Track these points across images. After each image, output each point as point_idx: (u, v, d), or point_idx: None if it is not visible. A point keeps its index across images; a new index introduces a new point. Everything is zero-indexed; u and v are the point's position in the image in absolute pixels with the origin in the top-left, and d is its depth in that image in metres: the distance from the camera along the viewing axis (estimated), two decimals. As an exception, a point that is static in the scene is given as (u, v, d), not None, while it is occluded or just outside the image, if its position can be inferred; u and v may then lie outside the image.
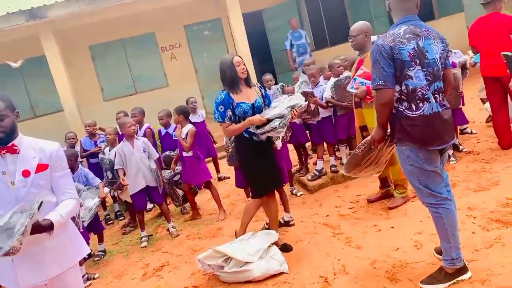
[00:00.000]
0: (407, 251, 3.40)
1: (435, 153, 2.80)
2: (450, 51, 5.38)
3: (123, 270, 4.49)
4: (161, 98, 10.19)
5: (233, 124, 3.70)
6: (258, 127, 3.62)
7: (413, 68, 2.69)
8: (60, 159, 2.34)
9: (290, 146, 5.55)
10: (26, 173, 2.21)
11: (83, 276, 4.36)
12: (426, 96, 2.72)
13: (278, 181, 4.07)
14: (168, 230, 5.17)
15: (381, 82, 2.70)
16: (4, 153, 2.21)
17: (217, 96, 3.70)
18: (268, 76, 6.44)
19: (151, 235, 5.22)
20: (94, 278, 4.42)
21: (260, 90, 3.89)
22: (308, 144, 6.17)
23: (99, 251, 4.95)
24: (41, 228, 2.10)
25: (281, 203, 4.47)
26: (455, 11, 12.19)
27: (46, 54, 8.61)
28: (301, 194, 5.28)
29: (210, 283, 3.70)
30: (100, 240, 4.98)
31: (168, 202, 5.87)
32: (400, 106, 2.76)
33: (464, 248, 3.07)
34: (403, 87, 2.73)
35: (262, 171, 3.81)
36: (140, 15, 9.63)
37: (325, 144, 5.65)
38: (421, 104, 2.72)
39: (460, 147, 5.33)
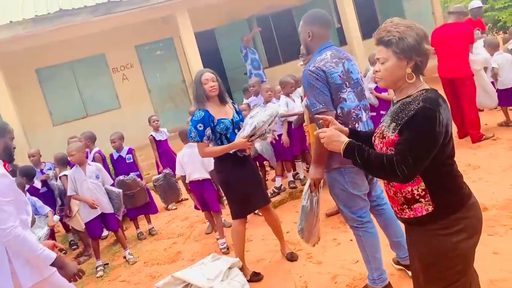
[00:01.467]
0: (366, 264, 3.44)
1: (361, 177, 2.82)
2: None
3: (77, 303, 4.26)
4: (113, 120, 9.96)
5: (209, 144, 3.55)
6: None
7: (345, 90, 2.71)
8: None
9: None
10: None
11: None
12: (359, 116, 2.76)
13: (265, 198, 3.81)
14: (124, 257, 4.97)
15: (323, 105, 2.64)
16: None
17: (194, 114, 3.51)
18: (222, 94, 6.42)
19: (107, 264, 4.99)
20: (46, 314, 4.15)
21: (234, 106, 3.82)
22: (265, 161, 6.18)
23: (51, 285, 4.68)
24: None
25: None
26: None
27: (-12, 78, 8.21)
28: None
29: (170, 311, 3.57)
30: (52, 273, 4.71)
31: (124, 228, 5.67)
32: None
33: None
34: (339, 111, 2.72)
35: (248, 189, 3.61)
36: (89, 36, 9.40)
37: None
38: (356, 125, 2.74)
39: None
